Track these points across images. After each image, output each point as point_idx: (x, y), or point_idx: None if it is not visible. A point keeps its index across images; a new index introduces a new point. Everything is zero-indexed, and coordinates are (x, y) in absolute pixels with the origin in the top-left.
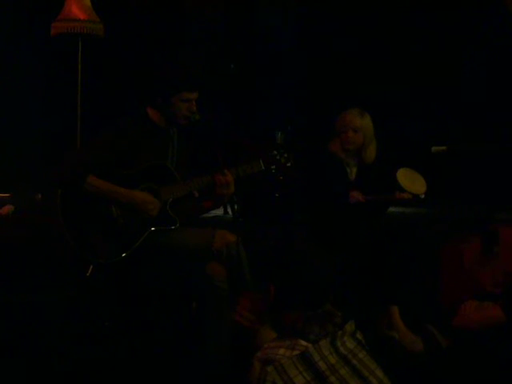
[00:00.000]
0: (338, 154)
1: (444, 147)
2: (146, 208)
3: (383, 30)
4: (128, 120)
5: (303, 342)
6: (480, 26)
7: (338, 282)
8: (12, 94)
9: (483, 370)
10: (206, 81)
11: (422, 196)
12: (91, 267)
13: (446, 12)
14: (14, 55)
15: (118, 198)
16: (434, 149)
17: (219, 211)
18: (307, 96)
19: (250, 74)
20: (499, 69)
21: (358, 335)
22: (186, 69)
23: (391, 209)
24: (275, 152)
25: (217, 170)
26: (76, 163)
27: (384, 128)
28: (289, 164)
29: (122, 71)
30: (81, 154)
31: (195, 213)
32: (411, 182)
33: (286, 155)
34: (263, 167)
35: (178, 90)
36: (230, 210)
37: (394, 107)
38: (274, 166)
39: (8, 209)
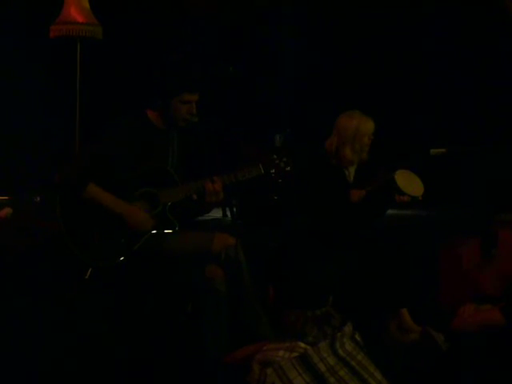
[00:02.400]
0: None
1: (443, 149)
2: (136, 226)
3: (382, 30)
4: (127, 123)
5: (302, 344)
6: (479, 26)
7: (338, 284)
8: (11, 96)
9: (483, 372)
10: (205, 83)
11: (420, 198)
12: (90, 270)
13: (446, 12)
14: (12, 58)
15: (111, 209)
16: (432, 151)
17: (218, 214)
18: (306, 98)
19: (249, 76)
20: (500, 69)
21: (357, 336)
22: (187, 70)
23: (390, 211)
24: (275, 156)
25: (207, 178)
26: (76, 169)
27: (384, 128)
28: (288, 168)
29: (120, 74)
30: (81, 160)
31: (194, 215)
32: (409, 184)
33: (285, 159)
34: (263, 171)
35: (178, 91)
36: (228, 213)
37: (393, 108)
38: (273, 170)
39: (6, 211)
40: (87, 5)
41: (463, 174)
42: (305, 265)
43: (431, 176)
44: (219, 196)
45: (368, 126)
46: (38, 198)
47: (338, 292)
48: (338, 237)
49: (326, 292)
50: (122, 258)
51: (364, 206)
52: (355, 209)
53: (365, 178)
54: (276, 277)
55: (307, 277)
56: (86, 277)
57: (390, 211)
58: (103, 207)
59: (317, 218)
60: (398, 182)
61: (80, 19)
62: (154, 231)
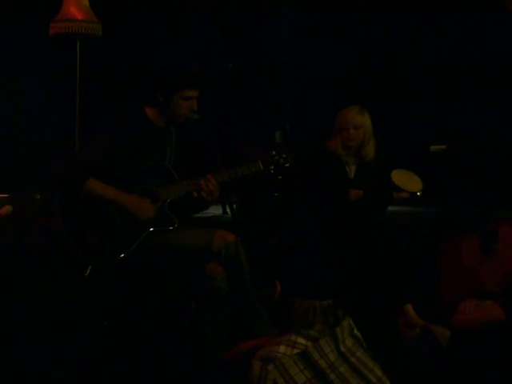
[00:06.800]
0: (337, 152)
1: (443, 146)
2: (138, 214)
3: (381, 30)
4: (126, 119)
5: (303, 341)
6: (480, 26)
7: (341, 277)
8: (11, 94)
9: (483, 370)
10: (205, 80)
11: (419, 194)
12: (90, 267)
13: (444, 11)
14: (12, 55)
15: (112, 201)
16: (432, 148)
17: (218, 211)
18: (306, 95)
19: (249, 73)
20: (499, 67)
21: (356, 331)
22: (189, 66)
23: (390, 208)
24: (274, 152)
25: (199, 177)
26: (76, 165)
27: (384, 128)
28: (287, 164)
29: (120, 71)
30: (80, 156)
31: (193, 212)
32: (407, 180)
33: (284, 155)
34: (262, 168)
35: (181, 86)
36: (228, 210)
37: (393, 107)
38: (272, 167)
39: (6, 209)
40: (86, 2)
41: (463, 171)
42: (313, 253)
43: (431, 172)
44: (213, 194)
45: (346, 117)
46: (38, 196)
47: (340, 286)
48: (337, 235)
49: (330, 283)
50: (121, 256)
51: (362, 206)
52: (353, 207)
53: (364, 177)
54: (283, 271)
55: (317, 263)
56: (86, 274)
57: (389, 208)
58: (104, 200)
59: (316, 214)
60: (397, 181)
61: (79, 16)
62: (153, 228)
